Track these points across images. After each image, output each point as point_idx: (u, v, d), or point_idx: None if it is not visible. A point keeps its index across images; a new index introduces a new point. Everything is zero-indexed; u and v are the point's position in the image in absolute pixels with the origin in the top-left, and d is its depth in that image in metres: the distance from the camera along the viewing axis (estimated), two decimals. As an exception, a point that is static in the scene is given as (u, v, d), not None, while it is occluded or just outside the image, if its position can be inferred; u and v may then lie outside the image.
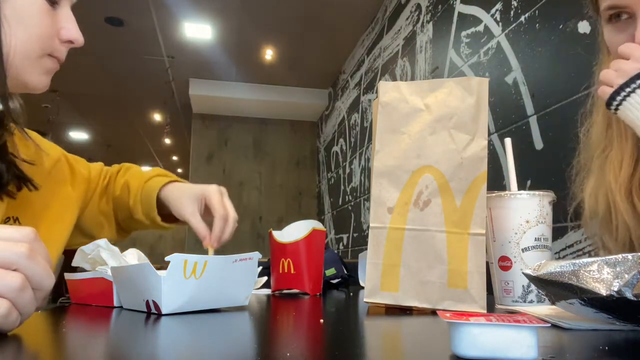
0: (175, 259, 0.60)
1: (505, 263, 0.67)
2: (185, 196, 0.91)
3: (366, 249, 0.76)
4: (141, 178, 0.97)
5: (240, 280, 0.68)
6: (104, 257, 0.74)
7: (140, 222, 0.95)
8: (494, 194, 0.70)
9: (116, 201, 0.98)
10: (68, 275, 0.79)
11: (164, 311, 0.60)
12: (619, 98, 0.63)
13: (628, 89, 0.62)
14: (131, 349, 0.41)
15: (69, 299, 0.80)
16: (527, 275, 0.54)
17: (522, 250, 0.66)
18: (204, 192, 0.90)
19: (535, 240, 0.67)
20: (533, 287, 0.64)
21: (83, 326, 0.57)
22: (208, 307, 0.66)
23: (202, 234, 0.86)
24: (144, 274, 0.61)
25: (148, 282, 0.61)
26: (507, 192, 0.71)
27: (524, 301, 0.66)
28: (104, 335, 0.50)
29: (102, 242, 0.75)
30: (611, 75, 0.64)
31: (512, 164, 0.73)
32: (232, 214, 0.89)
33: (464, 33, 2.22)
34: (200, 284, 0.62)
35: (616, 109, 0.63)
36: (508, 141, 0.74)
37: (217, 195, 0.90)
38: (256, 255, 0.69)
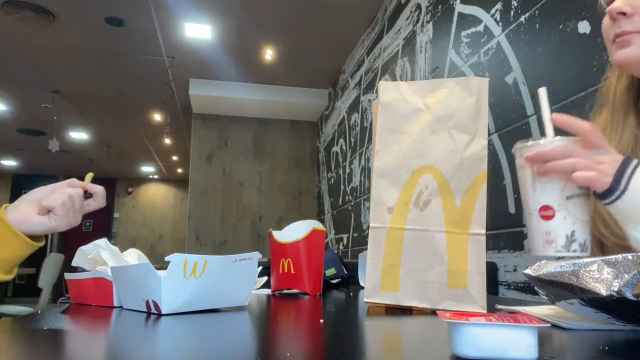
0: (175, 259, 0.60)
1: (547, 212, 0.64)
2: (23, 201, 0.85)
3: (366, 249, 0.76)
4: None
5: (240, 280, 0.68)
6: (104, 257, 0.74)
7: None
8: (529, 143, 0.66)
9: None
10: (68, 275, 0.78)
11: (164, 311, 0.60)
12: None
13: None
14: (131, 349, 0.41)
15: (69, 299, 0.80)
16: (527, 275, 0.54)
17: (567, 198, 0.64)
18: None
19: (579, 187, 0.64)
20: (577, 235, 0.62)
21: (83, 326, 0.57)
22: (208, 307, 0.66)
23: (66, 182, 0.84)
24: (144, 274, 0.61)
25: (148, 282, 0.61)
26: (544, 139, 0.65)
27: (568, 250, 0.61)
28: (103, 335, 0.50)
29: (102, 242, 0.75)
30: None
31: (548, 111, 0.69)
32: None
33: (464, 33, 2.22)
34: (200, 284, 0.62)
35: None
36: (543, 90, 0.70)
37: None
38: (256, 255, 0.69)
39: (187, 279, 0.61)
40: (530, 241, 0.66)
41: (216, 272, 0.64)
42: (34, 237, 0.80)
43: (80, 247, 0.76)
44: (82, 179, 0.88)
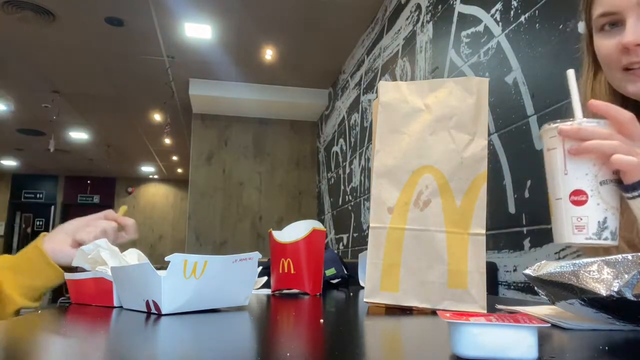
0: (175, 259, 0.60)
1: (579, 197, 0.61)
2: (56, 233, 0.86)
3: (366, 249, 0.76)
4: None
5: (240, 280, 0.68)
6: (104, 257, 0.74)
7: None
8: (558, 123, 0.64)
9: None
10: (68, 275, 0.78)
11: (164, 311, 0.60)
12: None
13: None
14: (131, 349, 0.41)
15: (69, 299, 0.80)
16: (527, 276, 0.54)
17: (600, 183, 0.62)
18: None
19: (613, 173, 0.63)
20: (609, 222, 0.60)
21: (83, 326, 0.57)
22: (208, 307, 0.66)
23: (102, 214, 0.86)
24: (144, 274, 0.61)
25: (148, 282, 0.61)
26: (578, 119, 0.63)
27: (599, 238, 0.59)
28: (103, 336, 0.50)
29: (102, 242, 0.75)
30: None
31: (577, 93, 0.67)
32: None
33: (464, 33, 2.22)
34: (200, 284, 0.62)
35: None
36: (571, 72, 0.69)
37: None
38: (256, 256, 0.69)
39: (187, 279, 0.61)
40: (557, 228, 0.63)
41: (216, 272, 0.64)
42: (65, 267, 0.82)
43: (81, 247, 0.76)
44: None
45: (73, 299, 0.79)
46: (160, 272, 0.60)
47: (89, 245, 0.75)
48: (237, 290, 0.69)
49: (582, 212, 0.60)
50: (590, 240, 0.60)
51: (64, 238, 0.84)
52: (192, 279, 0.61)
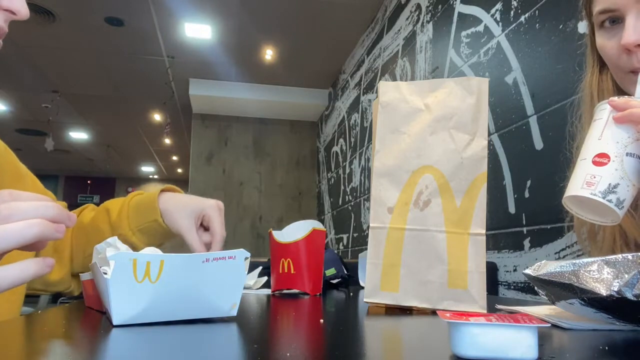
0: (120, 258, 0.49)
1: (602, 159, 0.63)
2: (183, 208, 0.87)
3: (366, 249, 0.76)
4: (124, 199, 0.91)
5: (220, 284, 0.55)
6: (108, 256, 0.71)
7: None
8: (617, 99, 0.66)
9: (83, 231, 0.88)
10: (83, 276, 0.75)
11: (115, 322, 0.49)
12: None
13: None
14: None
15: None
16: (527, 275, 0.54)
17: (627, 154, 0.63)
18: (203, 208, 0.87)
19: None
20: (619, 190, 0.60)
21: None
22: (179, 318, 0.54)
23: (198, 251, 0.83)
24: (98, 276, 0.52)
25: (100, 285, 0.52)
26: (636, 97, 0.66)
27: (604, 198, 0.60)
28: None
29: (112, 240, 0.70)
30: None
31: None
32: (224, 234, 0.88)
33: (464, 33, 2.22)
34: (159, 290, 0.50)
35: None
36: None
37: (217, 213, 0.88)
38: (241, 254, 0.55)
39: (140, 283, 0.49)
40: (570, 183, 0.64)
41: (180, 275, 0.52)
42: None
43: (95, 246, 0.73)
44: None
45: (87, 302, 0.76)
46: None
47: (102, 244, 0.69)
48: (217, 297, 0.55)
49: (598, 171, 0.61)
50: (595, 197, 0.60)
51: (187, 218, 0.87)
52: (147, 283, 0.50)
